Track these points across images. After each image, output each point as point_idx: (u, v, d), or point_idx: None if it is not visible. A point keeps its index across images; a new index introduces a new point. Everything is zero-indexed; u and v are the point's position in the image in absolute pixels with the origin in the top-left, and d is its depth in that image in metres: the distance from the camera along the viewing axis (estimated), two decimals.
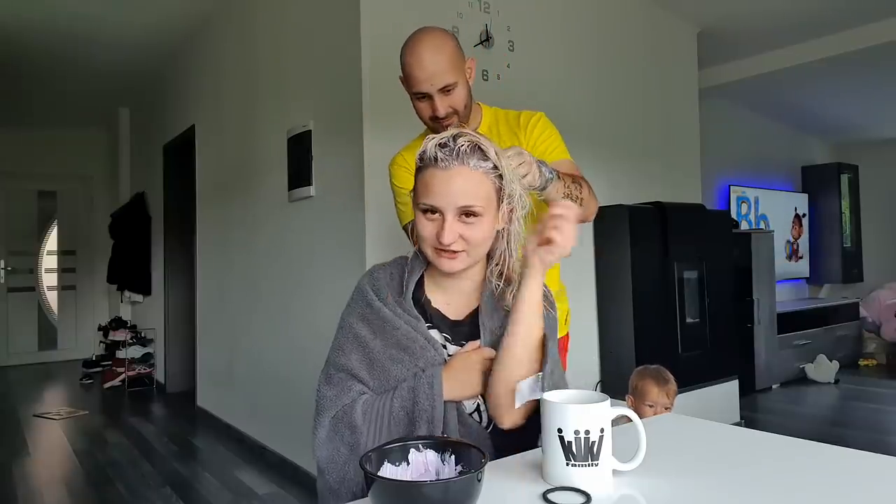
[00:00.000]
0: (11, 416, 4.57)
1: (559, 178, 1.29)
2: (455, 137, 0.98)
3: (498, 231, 1.05)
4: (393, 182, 1.57)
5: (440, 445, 0.82)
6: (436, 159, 0.98)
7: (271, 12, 3.44)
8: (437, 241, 0.99)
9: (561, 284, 1.62)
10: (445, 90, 1.38)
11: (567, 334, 1.65)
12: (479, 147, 0.99)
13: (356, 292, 1.11)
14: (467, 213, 0.98)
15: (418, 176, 1.03)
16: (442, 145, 0.98)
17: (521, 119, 1.52)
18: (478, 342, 1.04)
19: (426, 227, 1.01)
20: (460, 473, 0.78)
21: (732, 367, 3.83)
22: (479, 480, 0.70)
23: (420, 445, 0.81)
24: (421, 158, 1.01)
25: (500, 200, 1.02)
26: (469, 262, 1.03)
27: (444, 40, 1.39)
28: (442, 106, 1.39)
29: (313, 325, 2.93)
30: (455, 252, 1.00)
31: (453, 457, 0.80)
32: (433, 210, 0.99)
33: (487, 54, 2.98)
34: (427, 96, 1.40)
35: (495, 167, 1.00)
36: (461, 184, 0.97)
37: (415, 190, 1.04)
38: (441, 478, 0.79)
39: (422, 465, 0.81)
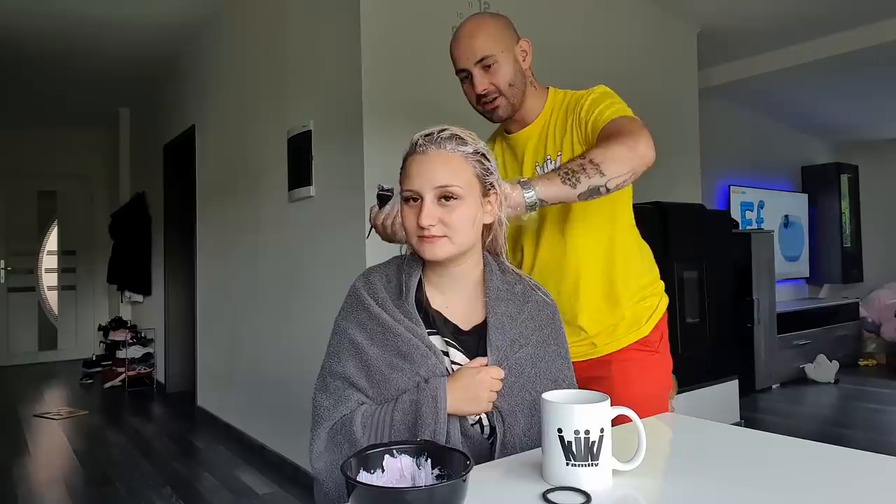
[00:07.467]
0: (11, 416, 4.57)
1: (548, 179, 1.14)
2: (440, 130, 1.01)
3: (490, 223, 1.05)
4: None
5: (416, 450, 0.79)
6: (416, 145, 1.01)
7: (271, 12, 3.44)
8: (418, 227, 0.98)
9: (651, 277, 1.48)
10: (484, 65, 1.34)
11: (655, 327, 1.45)
12: (458, 135, 1.01)
13: (350, 296, 1.08)
14: (446, 195, 0.98)
15: (402, 167, 1.04)
16: (427, 135, 1.01)
17: (580, 98, 1.38)
18: (485, 359, 1.01)
19: (408, 216, 1.00)
20: (438, 478, 0.76)
21: (732, 367, 3.83)
22: (465, 482, 0.69)
23: (395, 451, 0.79)
24: (406, 151, 1.03)
25: (484, 189, 1.02)
26: (452, 250, 0.99)
27: (485, 18, 1.40)
28: (481, 83, 1.34)
29: (313, 325, 2.93)
30: (435, 236, 0.98)
31: (429, 461, 0.78)
32: (414, 197, 0.99)
33: None
34: (469, 76, 1.36)
35: (476, 152, 1.01)
36: (438, 165, 0.98)
37: (399, 183, 1.05)
38: (417, 483, 0.77)
39: (397, 470, 0.78)
